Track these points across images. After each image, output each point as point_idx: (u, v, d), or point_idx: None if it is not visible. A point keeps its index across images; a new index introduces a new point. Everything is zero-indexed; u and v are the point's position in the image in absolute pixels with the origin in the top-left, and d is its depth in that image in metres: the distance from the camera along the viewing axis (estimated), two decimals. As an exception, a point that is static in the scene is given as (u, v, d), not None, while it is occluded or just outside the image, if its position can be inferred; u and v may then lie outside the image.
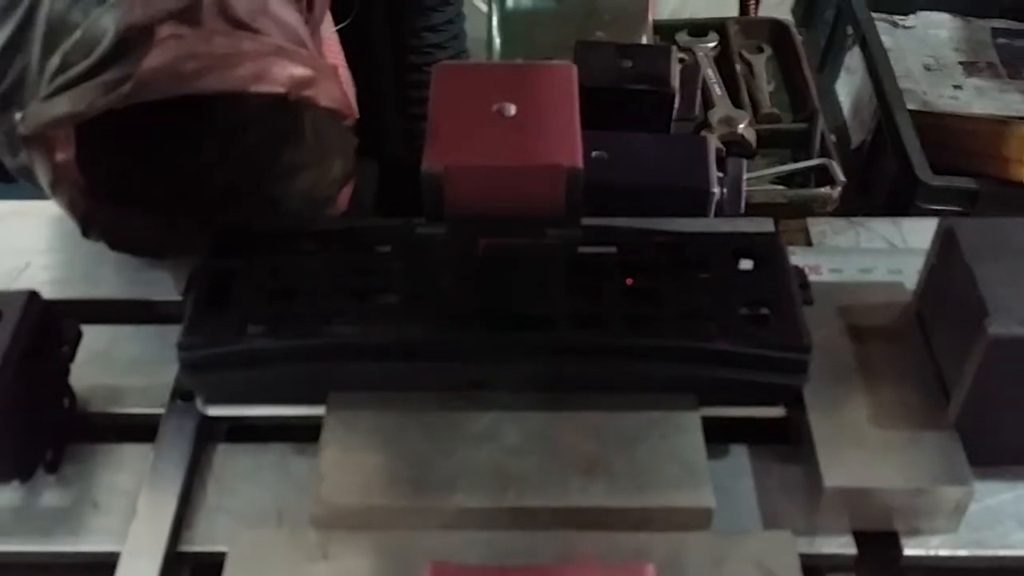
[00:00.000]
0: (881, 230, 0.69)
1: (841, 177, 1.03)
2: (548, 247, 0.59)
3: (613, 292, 0.58)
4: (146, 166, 0.67)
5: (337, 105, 0.60)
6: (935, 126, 1.10)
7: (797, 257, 0.61)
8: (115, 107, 0.55)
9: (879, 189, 1.11)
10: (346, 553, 0.53)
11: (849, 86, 1.25)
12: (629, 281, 0.59)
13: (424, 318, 0.57)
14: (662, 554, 0.53)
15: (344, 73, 0.75)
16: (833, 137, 1.12)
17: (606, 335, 0.57)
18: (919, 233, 0.68)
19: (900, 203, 1.04)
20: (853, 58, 1.23)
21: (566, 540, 0.54)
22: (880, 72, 1.13)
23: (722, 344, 0.56)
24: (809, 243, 0.69)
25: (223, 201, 0.67)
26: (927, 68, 1.23)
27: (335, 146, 0.65)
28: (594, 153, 0.76)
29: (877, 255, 0.67)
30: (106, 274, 0.67)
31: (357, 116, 0.75)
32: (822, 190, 1.02)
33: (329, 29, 0.82)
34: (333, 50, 0.83)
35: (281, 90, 0.58)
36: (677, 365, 0.56)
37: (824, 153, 1.07)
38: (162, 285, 0.66)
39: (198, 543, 0.56)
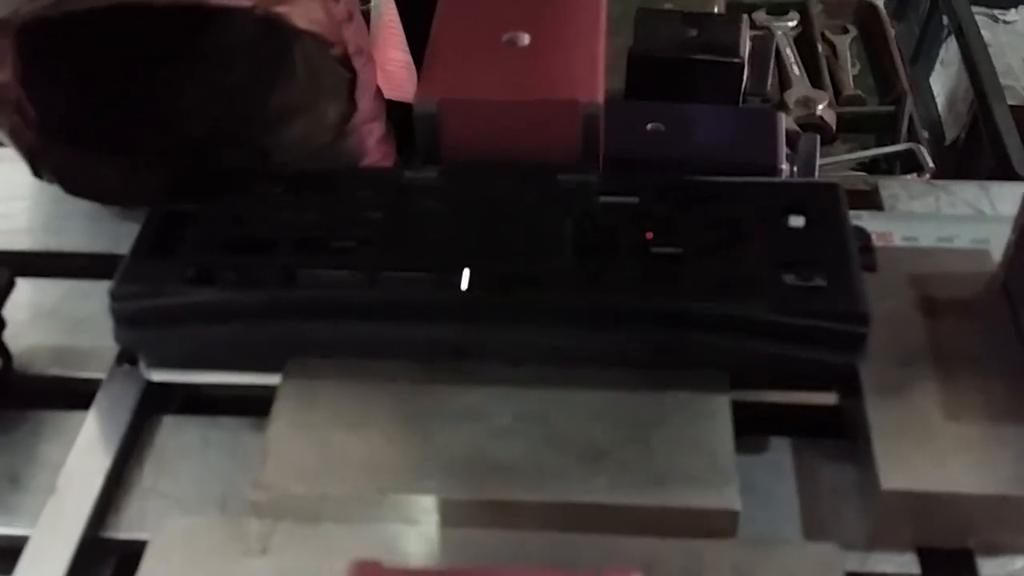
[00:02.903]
0: (965, 194, 0.56)
1: (930, 163, 0.90)
2: (557, 195, 0.49)
3: (630, 248, 0.47)
4: (116, 106, 0.57)
5: (318, 28, 0.50)
6: (1035, 123, 0.97)
7: (864, 223, 0.49)
8: (47, 15, 0.45)
9: (974, 187, 0.99)
10: (290, 548, 0.42)
11: (944, 80, 1.13)
12: (648, 236, 0.47)
13: (404, 273, 0.46)
14: (676, 565, 0.41)
15: (404, 57, 0.65)
16: (926, 133, 1.01)
17: (618, 297, 0.45)
18: (1011, 199, 0.56)
19: (997, 201, 0.92)
20: (948, 51, 1.11)
21: (560, 543, 0.42)
22: (978, 63, 1.01)
23: (759, 312, 0.44)
24: (879, 207, 0.56)
25: (204, 149, 0.57)
26: (1029, 65, 1.10)
27: (329, 86, 0.55)
28: (649, 125, 0.65)
29: (960, 223, 0.54)
30: (72, 225, 0.57)
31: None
32: (909, 177, 0.90)
33: (391, 12, 0.72)
34: (395, 38, 0.73)
35: (246, 4, 0.48)
36: (704, 336, 0.45)
37: (912, 138, 0.95)
38: (130, 237, 0.55)
39: (125, 529, 0.45)
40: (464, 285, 0.45)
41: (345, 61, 0.53)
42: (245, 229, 0.48)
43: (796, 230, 0.47)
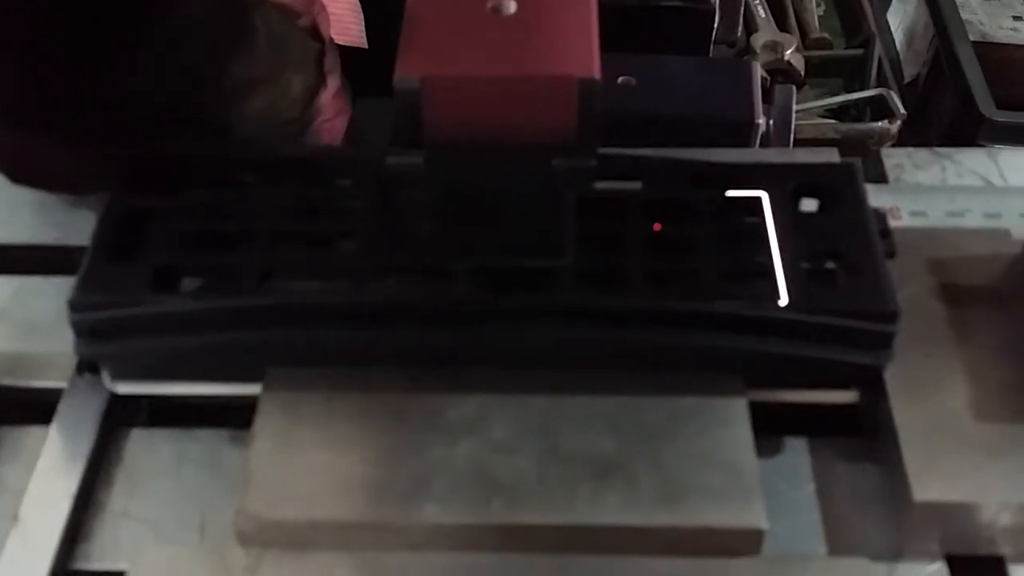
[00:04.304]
0: (972, 163, 0.53)
1: (901, 109, 0.87)
2: (553, 182, 0.44)
3: (636, 240, 0.42)
4: (63, 86, 0.51)
5: (286, -2, 0.45)
6: (995, 59, 0.93)
7: (871, 196, 0.45)
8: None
9: (935, 126, 0.95)
10: (280, 580, 0.38)
11: (902, 15, 1.09)
12: (657, 226, 0.43)
13: (392, 272, 0.42)
14: (696, 586, 0.38)
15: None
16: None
17: (626, 296, 0.41)
18: (1022, 168, 0.52)
19: (959, 141, 0.88)
20: (907, -15, 1.07)
21: (569, 566, 0.38)
22: (939, -1, 0.97)
23: (778, 309, 0.40)
24: (883, 179, 0.52)
25: (160, 128, 0.51)
26: (985, -3, 1.06)
27: (293, 56, 0.50)
28: (620, 79, 0.61)
29: (970, 195, 0.50)
30: (17, 215, 0.52)
31: (365, 45, 0.61)
32: (879, 124, 0.86)
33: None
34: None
35: (208, -27, 0.42)
36: (718, 336, 0.40)
37: (881, 83, 0.91)
38: (83, 227, 0.50)
39: (96, 559, 0.41)
40: (460, 285, 0.41)
41: (314, 32, 0.48)
42: (214, 225, 0.43)
43: (814, 217, 0.43)
